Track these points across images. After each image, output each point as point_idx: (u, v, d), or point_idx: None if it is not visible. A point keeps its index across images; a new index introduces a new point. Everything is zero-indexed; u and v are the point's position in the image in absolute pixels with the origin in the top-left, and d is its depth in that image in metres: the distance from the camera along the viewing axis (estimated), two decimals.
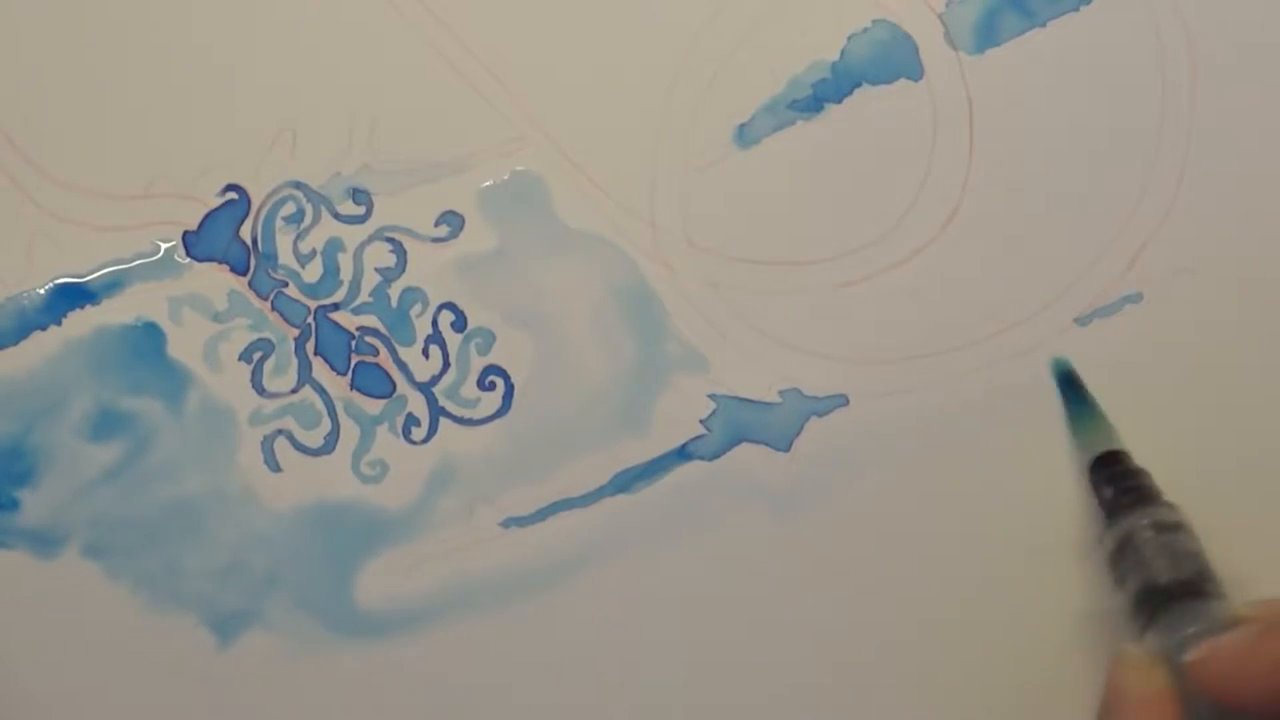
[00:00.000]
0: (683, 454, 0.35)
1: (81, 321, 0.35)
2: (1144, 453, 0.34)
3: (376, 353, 0.35)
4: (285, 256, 0.35)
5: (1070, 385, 0.35)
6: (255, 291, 0.35)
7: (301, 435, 0.35)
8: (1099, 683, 0.31)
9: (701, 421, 0.35)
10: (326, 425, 0.35)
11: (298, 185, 0.35)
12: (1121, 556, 0.32)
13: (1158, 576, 0.31)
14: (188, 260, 0.35)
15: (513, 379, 0.35)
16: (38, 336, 0.35)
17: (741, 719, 0.36)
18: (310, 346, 0.35)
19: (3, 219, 0.35)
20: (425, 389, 0.35)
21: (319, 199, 0.35)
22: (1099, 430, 0.34)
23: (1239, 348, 0.35)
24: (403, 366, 0.35)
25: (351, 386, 0.35)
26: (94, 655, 0.35)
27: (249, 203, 0.35)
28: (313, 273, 0.35)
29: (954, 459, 0.35)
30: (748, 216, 0.35)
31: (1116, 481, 0.33)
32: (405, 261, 0.35)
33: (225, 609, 0.35)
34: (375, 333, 0.35)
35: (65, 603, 0.35)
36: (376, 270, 0.35)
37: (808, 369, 0.35)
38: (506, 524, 0.35)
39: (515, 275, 0.35)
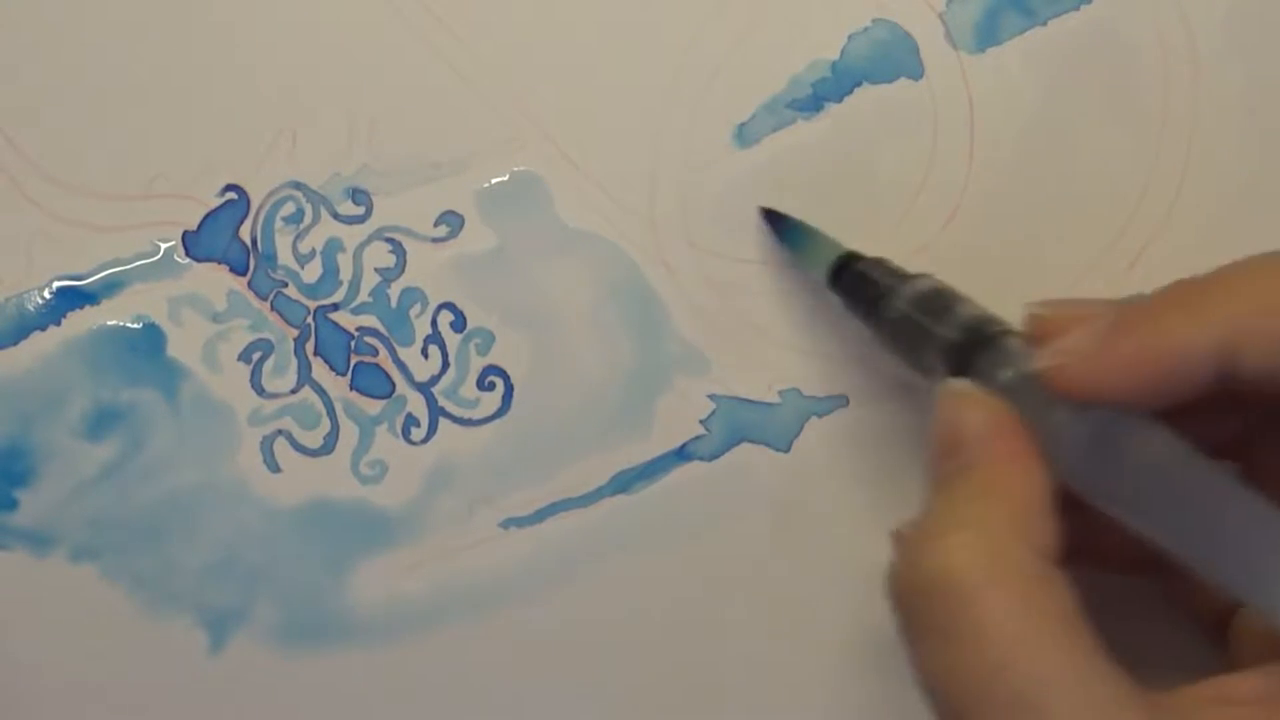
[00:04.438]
0: (682, 454, 0.35)
1: (81, 322, 0.35)
2: None
3: (376, 353, 0.35)
4: (285, 257, 0.35)
5: (778, 221, 0.34)
6: (255, 292, 0.35)
7: (301, 435, 0.35)
8: None
9: (701, 422, 0.35)
10: (326, 425, 0.35)
11: (297, 185, 0.35)
12: (907, 331, 0.31)
13: (948, 335, 0.29)
14: (187, 260, 0.35)
15: (512, 379, 0.35)
16: (37, 337, 0.35)
17: (741, 718, 0.35)
18: (310, 347, 0.35)
19: (3, 219, 0.35)
20: (425, 389, 0.35)
21: (318, 199, 0.35)
22: (823, 245, 0.33)
23: None
24: (402, 367, 0.35)
25: (351, 387, 0.35)
26: (91, 655, 0.35)
27: (248, 203, 0.35)
28: (312, 273, 0.35)
29: None
30: (748, 216, 0.35)
31: (859, 279, 0.32)
32: (405, 261, 0.35)
33: (222, 610, 0.35)
34: (375, 333, 0.35)
35: (63, 603, 0.35)
36: (376, 270, 0.35)
37: (808, 369, 0.35)
38: (506, 524, 0.35)
39: (515, 275, 0.35)
